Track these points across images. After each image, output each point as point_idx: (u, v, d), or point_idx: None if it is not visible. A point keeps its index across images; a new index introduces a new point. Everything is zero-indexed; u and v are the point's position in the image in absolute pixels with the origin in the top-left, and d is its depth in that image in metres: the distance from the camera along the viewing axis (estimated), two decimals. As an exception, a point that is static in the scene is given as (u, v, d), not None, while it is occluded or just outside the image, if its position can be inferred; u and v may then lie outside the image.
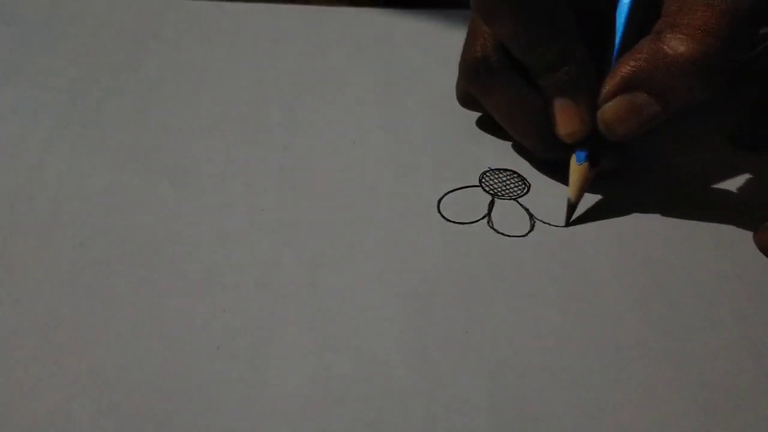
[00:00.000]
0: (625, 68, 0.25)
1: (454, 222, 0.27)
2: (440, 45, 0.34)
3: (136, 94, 0.34)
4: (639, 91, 0.25)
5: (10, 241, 0.26)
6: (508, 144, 0.31)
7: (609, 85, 0.26)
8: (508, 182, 0.29)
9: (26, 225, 0.26)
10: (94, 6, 0.41)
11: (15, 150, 0.30)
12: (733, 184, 0.29)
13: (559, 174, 0.29)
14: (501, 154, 0.31)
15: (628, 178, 0.30)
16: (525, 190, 0.29)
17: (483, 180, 0.29)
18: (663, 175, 0.30)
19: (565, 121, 0.27)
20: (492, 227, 0.27)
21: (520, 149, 0.31)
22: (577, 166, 0.27)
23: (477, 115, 0.33)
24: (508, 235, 0.27)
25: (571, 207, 0.28)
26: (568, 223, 0.28)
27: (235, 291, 0.24)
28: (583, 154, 0.27)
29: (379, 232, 0.27)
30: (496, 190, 0.29)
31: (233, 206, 0.28)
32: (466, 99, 0.31)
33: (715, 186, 0.29)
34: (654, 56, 0.25)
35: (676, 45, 0.24)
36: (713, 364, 0.22)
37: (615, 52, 0.27)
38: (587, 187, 0.27)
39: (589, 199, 0.28)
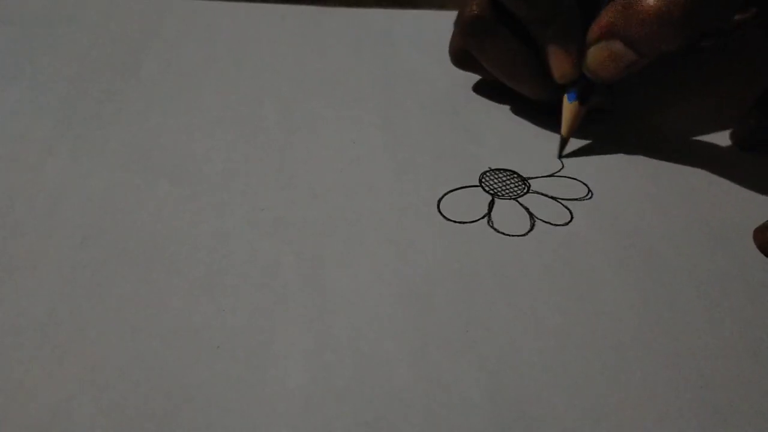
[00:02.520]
0: (604, 18, 0.28)
1: (455, 221, 0.27)
2: (440, 45, 0.34)
3: (136, 94, 0.34)
4: (615, 39, 0.27)
5: (10, 241, 0.26)
6: (508, 144, 0.31)
7: (591, 33, 0.28)
8: (508, 182, 0.29)
9: (26, 225, 0.26)
10: (94, 6, 0.41)
11: (15, 150, 0.30)
12: (733, 184, 0.29)
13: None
14: (501, 154, 0.31)
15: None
16: (525, 190, 0.29)
17: (483, 180, 0.29)
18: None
19: (558, 65, 0.30)
20: (492, 227, 0.27)
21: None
22: (568, 104, 0.30)
23: (477, 114, 0.33)
24: (509, 235, 0.27)
25: (563, 141, 0.31)
26: (561, 157, 0.31)
27: (235, 291, 0.24)
28: (573, 94, 0.30)
29: (379, 231, 0.27)
30: (496, 190, 0.29)
31: (233, 206, 0.28)
32: (459, 58, 0.33)
33: (715, 186, 0.29)
34: (628, 8, 0.27)
35: None
36: (713, 364, 0.22)
37: (604, 2, 0.28)
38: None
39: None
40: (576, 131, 0.31)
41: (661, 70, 0.37)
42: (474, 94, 0.35)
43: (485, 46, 0.31)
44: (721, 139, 0.32)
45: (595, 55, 0.28)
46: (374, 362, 0.22)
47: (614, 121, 0.33)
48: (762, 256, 0.26)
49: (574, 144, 0.31)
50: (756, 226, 0.27)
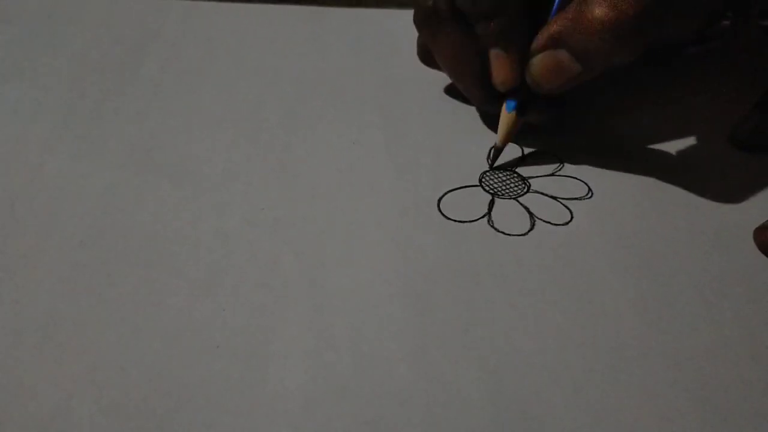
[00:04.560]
0: (552, 26, 0.27)
1: (455, 221, 0.27)
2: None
3: (137, 94, 0.34)
4: (561, 49, 0.27)
5: (10, 241, 0.26)
6: (508, 144, 0.31)
7: (537, 41, 0.28)
8: (508, 182, 0.29)
9: (26, 225, 0.26)
10: (94, 6, 0.41)
11: (15, 150, 0.30)
12: (733, 184, 0.29)
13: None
14: (501, 154, 0.31)
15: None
16: (525, 190, 0.29)
17: (483, 180, 0.29)
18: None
19: (498, 69, 0.29)
20: (492, 226, 0.27)
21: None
22: (505, 114, 0.30)
23: (477, 114, 0.33)
24: (509, 234, 0.27)
25: (497, 151, 0.30)
26: (492, 167, 0.30)
27: (235, 291, 0.24)
28: (512, 104, 0.30)
29: (379, 231, 0.27)
30: (496, 190, 0.29)
31: (233, 206, 0.28)
32: (425, 55, 0.33)
33: (715, 186, 0.29)
34: (576, 18, 0.27)
35: (593, 8, 0.26)
36: (713, 364, 0.22)
37: (554, 11, 0.28)
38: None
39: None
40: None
41: (661, 70, 0.37)
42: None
43: (437, 40, 0.30)
44: (722, 139, 0.32)
45: (539, 64, 0.28)
46: (374, 362, 0.22)
47: (614, 121, 0.33)
48: (762, 256, 0.26)
49: (574, 143, 0.31)
50: (756, 226, 0.27)
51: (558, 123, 0.32)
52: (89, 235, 0.26)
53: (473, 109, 0.34)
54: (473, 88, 0.31)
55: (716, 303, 0.24)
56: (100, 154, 0.30)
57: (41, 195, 0.28)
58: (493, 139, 0.31)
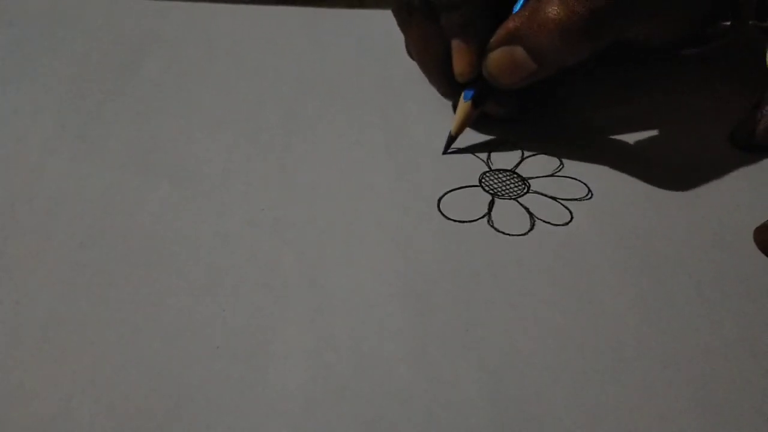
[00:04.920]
0: (510, 23, 0.28)
1: (455, 221, 0.27)
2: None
3: (137, 95, 0.34)
4: (517, 46, 0.27)
5: (10, 241, 0.26)
6: (508, 144, 0.31)
7: (496, 36, 0.28)
8: (508, 182, 0.29)
9: (26, 225, 0.26)
10: (94, 7, 0.41)
11: (15, 150, 0.30)
12: (733, 184, 0.29)
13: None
14: (501, 154, 0.31)
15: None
16: (525, 190, 0.29)
17: (483, 180, 0.29)
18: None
19: (458, 60, 0.29)
20: (492, 226, 0.27)
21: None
22: (462, 103, 0.30)
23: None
24: (509, 234, 0.27)
25: (450, 139, 0.31)
26: (445, 153, 0.31)
27: (235, 291, 0.24)
28: (470, 94, 0.30)
29: (379, 231, 0.27)
30: (496, 190, 0.29)
31: (233, 206, 0.28)
32: (409, 50, 0.34)
33: (715, 185, 0.29)
34: (532, 15, 0.27)
35: (546, 8, 0.26)
36: (713, 364, 0.22)
37: (516, 7, 0.28)
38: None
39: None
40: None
41: (659, 70, 0.37)
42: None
43: (409, 30, 0.31)
44: (722, 139, 0.32)
45: (495, 58, 0.28)
46: (374, 362, 0.22)
47: (613, 122, 0.33)
48: (762, 256, 0.26)
49: (574, 143, 0.31)
50: (756, 226, 0.27)
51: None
52: (89, 235, 0.26)
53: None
54: (436, 78, 0.32)
55: (716, 303, 0.24)
56: (100, 154, 0.30)
57: (41, 195, 0.28)
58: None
